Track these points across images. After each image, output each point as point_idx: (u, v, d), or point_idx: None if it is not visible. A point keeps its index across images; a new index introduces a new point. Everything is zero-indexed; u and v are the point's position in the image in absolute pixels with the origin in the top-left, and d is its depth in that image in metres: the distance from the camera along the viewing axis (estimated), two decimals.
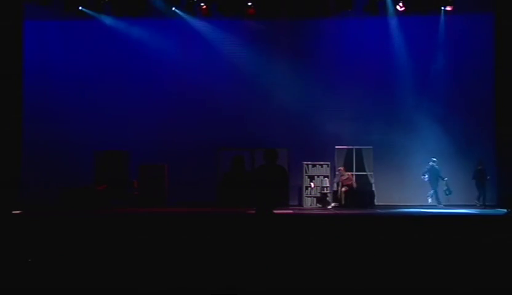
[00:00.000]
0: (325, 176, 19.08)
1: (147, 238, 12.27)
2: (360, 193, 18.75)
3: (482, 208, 17.63)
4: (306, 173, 19.15)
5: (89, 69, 19.84)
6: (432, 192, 18.83)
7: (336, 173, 19.03)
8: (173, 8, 19.23)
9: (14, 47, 17.65)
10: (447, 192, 18.64)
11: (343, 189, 18.57)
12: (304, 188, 19.12)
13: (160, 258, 10.12)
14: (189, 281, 8.62)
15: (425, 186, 19.04)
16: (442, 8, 19.03)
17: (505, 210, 16.28)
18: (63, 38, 19.95)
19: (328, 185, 19.00)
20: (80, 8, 19.04)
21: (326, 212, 17.49)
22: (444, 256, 10.18)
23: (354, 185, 18.77)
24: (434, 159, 18.62)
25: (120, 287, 8.34)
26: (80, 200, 18.13)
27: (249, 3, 18.94)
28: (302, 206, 18.97)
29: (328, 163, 19.17)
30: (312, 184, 19.09)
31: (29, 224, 14.93)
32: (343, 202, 18.47)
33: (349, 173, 18.96)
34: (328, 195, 18.98)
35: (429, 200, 18.80)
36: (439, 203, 18.56)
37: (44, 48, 19.78)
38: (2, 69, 17.43)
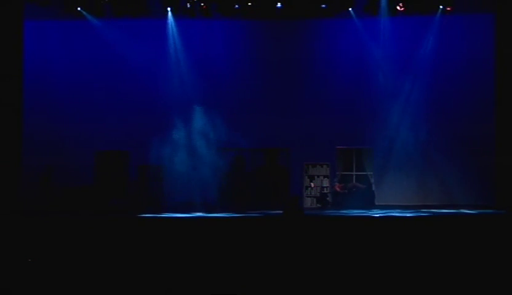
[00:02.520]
0: (325, 176, 19.08)
1: (147, 238, 12.26)
2: (360, 193, 18.77)
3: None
4: (306, 173, 19.14)
5: (89, 69, 19.81)
6: None
7: (335, 179, 19.11)
8: (168, 9, 19.16)
9: (14, 47, 17.64)
10: None
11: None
12: (304, 188, 19.12)
13: (161, 260, 10.11)
14: (190, 283, 8.61)
15: (424, 186, 19.05)
16: (441, 7, 18.96)
17: (503, 211, 16.29)
18: (63, 38, 19.92)
19: (327, 185, 19.01)
20: (79, 9, 19.01)
21: (326, 212, 17.50)
22: (442, 256, 10.18)
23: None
24: None
25: (121, 289, 8.33)
26: (80, 200, 18.13)
27: (249, 3, 18.92)
28: (302, 206, 18.96)
29: (329, 163, 19.18)
30: (312, 184, 19.10)
31: (29, 224, 14.92)
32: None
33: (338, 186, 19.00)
34: (328, 195, 18.98)
35: None
36: None
37: (43, 48, 19.75)
38: (2, 69, 17.43)
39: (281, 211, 16.60)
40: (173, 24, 19.69)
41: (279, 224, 12.75)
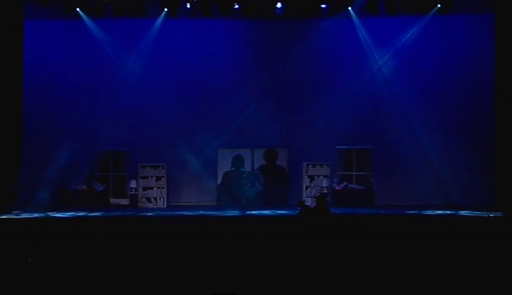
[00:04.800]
0: (325, 176, 19.08)
1: (147, 238, 12.26)
2: (360, 193, 18.79)
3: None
4: (306, 173, 19.15)
5: (89, 69, 19.79)
6: None
7: (335, 180, 19.13)
8: (165, 9, 19.16)
9: (14, 47, 17.65)
10: None
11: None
12: (304, 188, 19.13)
13: (161, 260, 10.10)
14: (191, 283, 8.61)
15: (424, 186, 19.05)
16: (439, 5, 18.94)
17: (502, 213, 16.29)
18: (63, 38, 19.90)
19: (327, 185, 18.99)
20: (78, 10, 19.03)
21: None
22: (441, 257, 10.18)
23: None
24: None
25: (120, 289, 8.33)
26: (80, 200, 18.16)
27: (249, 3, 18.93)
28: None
29: (329, 163, 19.19)
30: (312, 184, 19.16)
31: (29, 224, 14.94)
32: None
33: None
34: (328, 195, 18.96)
35: None
36: None
37: (43, 48, 19.74)
38: (2, 69, 17.44)
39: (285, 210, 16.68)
40: (171, 24, 19.68)
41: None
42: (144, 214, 16.86)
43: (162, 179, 19.19)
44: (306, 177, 19.15)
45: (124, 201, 19.23)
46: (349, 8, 19.28)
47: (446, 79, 19.54)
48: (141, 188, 19.09)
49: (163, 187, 19.17)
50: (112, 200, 19.22)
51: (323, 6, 19.03)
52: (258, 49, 19.92)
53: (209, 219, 15.96)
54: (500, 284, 8.36)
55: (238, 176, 19.60)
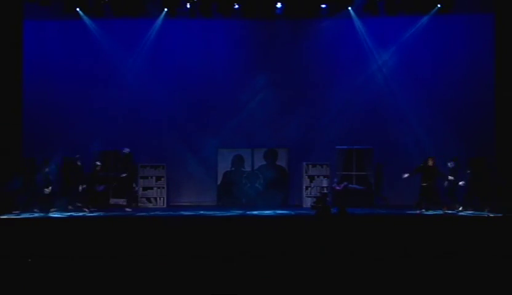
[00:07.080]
0: (325, 176, 19.09)
1: (148, 239, 12.28)
2: (360, 193, 18.79)
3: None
4: (306, 173, 19.16)
5: (89, 69, 19.79)
6: None
7: (335, 180, 19.12)
8: (165, 9, 19.16)
9: (14, 47, 17.65)
10: None
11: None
12: (304, 188, 19.14)
13: (161, 260, 10.11)
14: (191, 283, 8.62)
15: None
16: (439, 5, 18.95)
17: (501, 213, 16.29)
18: (63, 38, 19.91)
19: (327, 185, 19.00)
20: (78, 10, 19.02)
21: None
22: (441, 258, 10.19)
23: None
24: None
25: (121, 289, 8.34)
26: (80, 200, 18.14)
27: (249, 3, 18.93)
28: (302, 206, 19.00)
29: (328, 163, 19.20)
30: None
31: (29, 224, 14.95)
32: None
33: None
34: (328, 195, 18.98)
35: None
36: None
37: (43, 48, 19.74)
38: (2, 69, 17.44)
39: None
40: (171, 24, 19.69)
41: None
42: (144, 214, 16.86)
43: (162, 179, 19.23)
44: (306, 177, 19.16)
45: (124, 201, 19.21)
46: (349, 8, 19.31)
47: (446, 79, 19.56)
48: (141, 188, 19.12)
49: (163, 187, 19.20)
50: (112, 200, 19.21)
51: (323, 6, 19.05)
52: (258, 49, 19.94)
53: (209, 219, 15.96)
54: (500, 284, 8.37)
55: (238, 176, 19.62)
